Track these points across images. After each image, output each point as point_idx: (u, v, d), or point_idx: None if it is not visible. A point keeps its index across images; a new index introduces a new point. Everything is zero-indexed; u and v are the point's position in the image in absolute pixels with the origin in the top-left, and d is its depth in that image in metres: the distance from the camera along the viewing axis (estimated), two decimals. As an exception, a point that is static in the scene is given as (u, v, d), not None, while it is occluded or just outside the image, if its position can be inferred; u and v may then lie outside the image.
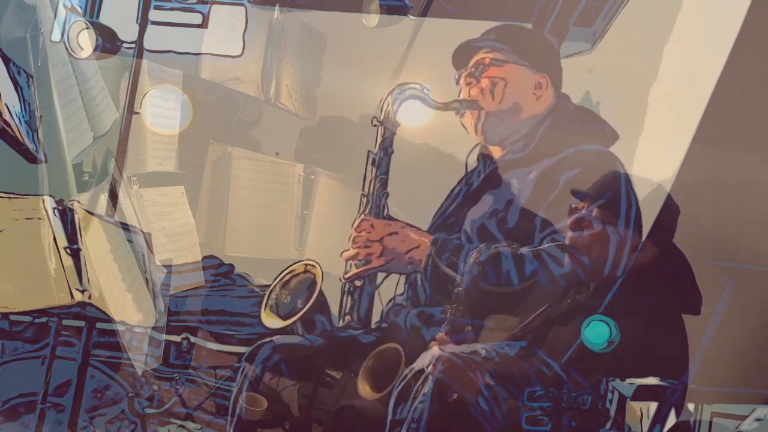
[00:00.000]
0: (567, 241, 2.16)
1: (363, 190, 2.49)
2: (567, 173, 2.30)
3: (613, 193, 2.18)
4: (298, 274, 2.47)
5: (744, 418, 1.98)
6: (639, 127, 2.43)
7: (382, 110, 2.47)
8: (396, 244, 2.39)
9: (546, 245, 2.23)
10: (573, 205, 2.15)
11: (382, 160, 2.48)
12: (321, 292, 2.41)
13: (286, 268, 2.49)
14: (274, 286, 2.47)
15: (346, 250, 2.43)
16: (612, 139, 2.36)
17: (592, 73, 2.54)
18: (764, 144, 2.14)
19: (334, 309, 2.48)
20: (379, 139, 2.49)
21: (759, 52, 2.13)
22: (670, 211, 2.10)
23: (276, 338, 2.39)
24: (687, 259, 2.05)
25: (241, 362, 2.39)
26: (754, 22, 2.11)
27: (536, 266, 2.22)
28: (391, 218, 2.46)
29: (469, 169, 2.50)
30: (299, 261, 2.51)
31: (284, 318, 2.42)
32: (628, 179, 2.25)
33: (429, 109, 2.49)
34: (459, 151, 2.55)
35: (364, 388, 2.24)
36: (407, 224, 2.43)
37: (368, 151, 2.49)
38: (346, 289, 2.47)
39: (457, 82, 2.50)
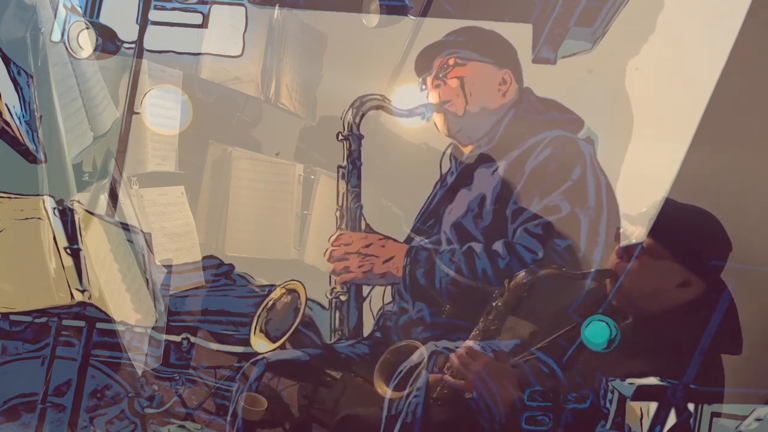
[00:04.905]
0: (614, 268, 2.10)
1: (337, 204, 2.50)
2: (532, 161, 2.33)
3: (579, 175, 2.18)
4: (280, 297, 2.49)
5: (744, 418, 1.98)
6: (638, 127, 2.43)
7: (344, 124, 2.49)
8: (372, 256, 2.40)
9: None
10: (621, 229, 2.13)
11: (351, 173, 2.50)
12: (306, 312, 2.42)
13: (266, 295, 2.51)
14: (260, 311, 2.48)
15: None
16: (577, 126, 2.38)
17: (592, 73, 2.54)
18: (764, 144, 2.13)
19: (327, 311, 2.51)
20: (346, 152, 2.50)
21: (760, 52, 2.13)
22: (721, 244, 2.03)
23: (268, 354, 2.40)
24: (732, 297, 2.01)
25: (236, 380, 2.39)
26: (755, 21, 2.11)
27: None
28: (370, 230, 2.47)
29: (443, 171, 2.52)
30: (278, 285, 2.52)
31: (274, 340, 2.43)
32: (593, 160, 2.29)
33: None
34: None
35: (380, 385, 2.22)
36: (384, 236, 2.44)
37: (337, 166, 2.51)
38: (333, 305, 2.48)
39: (422, 88, 2.52)
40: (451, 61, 2.48)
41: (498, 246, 2.29)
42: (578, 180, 2.28)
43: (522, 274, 2.15)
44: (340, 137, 2.51)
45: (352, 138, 2.50)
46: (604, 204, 2.27)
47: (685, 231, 2.06)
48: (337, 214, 2.51)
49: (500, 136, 2.43)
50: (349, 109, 2.50)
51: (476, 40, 2.49)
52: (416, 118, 2.50)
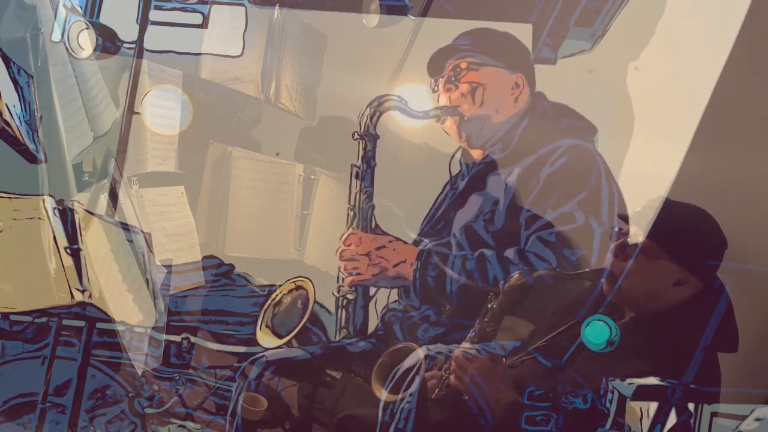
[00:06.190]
0: (609, 267, 2.09)
1: (349, 203, 2.50)
2: (547, 169, 2.32)
3: (594, 185, 2.19)
4: (290, 291, 2.49)
5: (744, 418, 1.98)
6: (638, 128, 2.43)
7: (361, 123, 2.49)
8: (383, 259, 2.41)
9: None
10: (617, 228, 2.12)
11: (365, 172, 2.50)
12: (313, 309, 2.43)
13: (275, 289, 2.51)
14: (268, 306, 2.48)
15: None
16: (590, 133, 2.38)
17: (592, 73, 2.54)
18: (764, 144, 2.14)
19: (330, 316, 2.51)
20: (361, 152, 2.50)
21: (760, 52, 2.13)
22: (717, 243, 2.03)
23: (268, 353, 2.40)
24: (728, 294, 2.01)
25: (236, 379, 2.39)
26: (755, 21, 2.11)
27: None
28: (380, 231, 2.47)
29: (452, 174, 2.52)
30: (288, 279, 2.52)
31: (280, 336, 2.43)
32: (607, 170, 2.28)
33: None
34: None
35: (377, 388, 2.22)
36: (395, 238, 2.44)
37: (351, 165, 2.51)
38: (340, 303, 2.48)
39: (434, 90, 2.51)
40: (464, 65, 2.46)
41: (510, 253, 2.28)
42: (593, 190, 2.28)
43: (516, 276, 2.15)
44: (356, 136, 2.50)
45: (368, 138, 2.50)
46: (617, 214, 2.27)
47: (680, 229, 2.06)
48: (350, 213, 2.51)
49: (516, 144, 2.41)
50: (366, 108, 2.49)
51: (490, 43, 2.47)
52: (429, 120, 2.50)
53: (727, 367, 2.01)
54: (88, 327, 2.45)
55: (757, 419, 1.97)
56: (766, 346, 2.03)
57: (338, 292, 2.47)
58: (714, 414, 1.97)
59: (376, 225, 2.49)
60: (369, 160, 2.50)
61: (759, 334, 2.03)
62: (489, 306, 2.16)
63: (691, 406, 1.95)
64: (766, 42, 2.13)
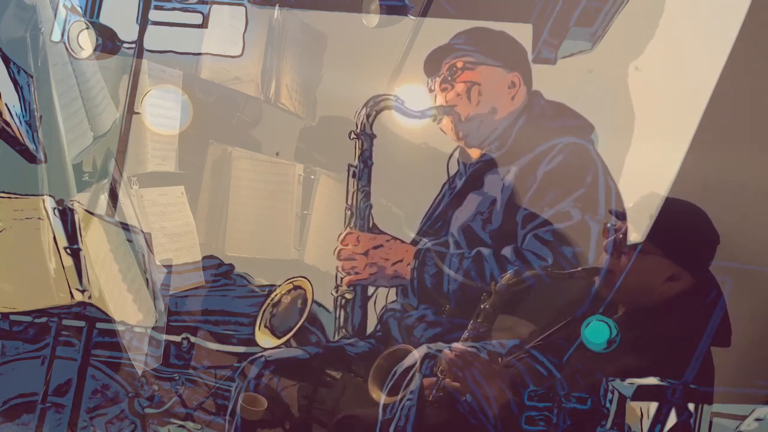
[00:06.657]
0: (604, 264, 2.10)
1: (347, 202, 2.50)
2: (544, 167, 2.32)
3: (591, 182, 2.20)
4: (288, 291, 2.49)
5: (744, 418, 1.98)
6: (638, 128, 2.43)
7: (357, 123, 2.49)
8: (380, 258, 2.41)
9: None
10: (609, 224, 2.12)
11: (362, 172, 2.50)
12: (311, 309, 2.43)
13: (274, 289, 2.51)
14: (266, 306, 2.49)
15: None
16: (587, 132, 2.38)
17: (592, 73, 2.54)
18: (764, 144, 2.14)
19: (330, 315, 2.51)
20: (358, 151, 2.50)
21: (760, 52, 2.13)
22: (709, 237, 2.04)
23: (267, 353, 2.40)
24: (721, 289, 2.02)
25: (235, 379, 2.39)
26: (755, 21, 2.11)
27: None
28: (377, 230, 2.47)
29: (450, 173, 2.52)
30: (286, 280, 2.52)
31: (279, 336, 2.44)
32: (604, 168, 2.28)
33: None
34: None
35: (375, 390, 2.22)
36: (392, 237, 2.45)
37: (348, 165, 2.51)
38: (338, 303, 2.48)
39: (431, 90, 2.51)
40: (460, 65, 2.46)
41: (507, 251, 2.29)
42: (590, 188, 2.28)
43: (507, 276, 2.16)
44: (353, 136, 2.51)
45: (365, 137, 2.50)
46: (613, 211, 2.27)
47: (673, 225, 2.06)
48: (347, 212, 2.51)
49: (512, 142, 2.41)
50: (362, 108, 2.49)
51: (486, 42, 2.47)
52: (426, 119, 2.50)
53: (728, 367, 2.01)
54: (88, 327, 2.45)
55: (757, 419, 1.97)
56: (766, 345, 2.03)
57: (336, 291, 2.47)
58: (714, 414, 1.97)
59: (374, 224, 2.49)
60: (366, 160, 2.51)
61: (759, 335, 2.04)
62: (482, 306, 2.16)
63: (691, 406, 1.95)
64: (766, 42, 2.13)
